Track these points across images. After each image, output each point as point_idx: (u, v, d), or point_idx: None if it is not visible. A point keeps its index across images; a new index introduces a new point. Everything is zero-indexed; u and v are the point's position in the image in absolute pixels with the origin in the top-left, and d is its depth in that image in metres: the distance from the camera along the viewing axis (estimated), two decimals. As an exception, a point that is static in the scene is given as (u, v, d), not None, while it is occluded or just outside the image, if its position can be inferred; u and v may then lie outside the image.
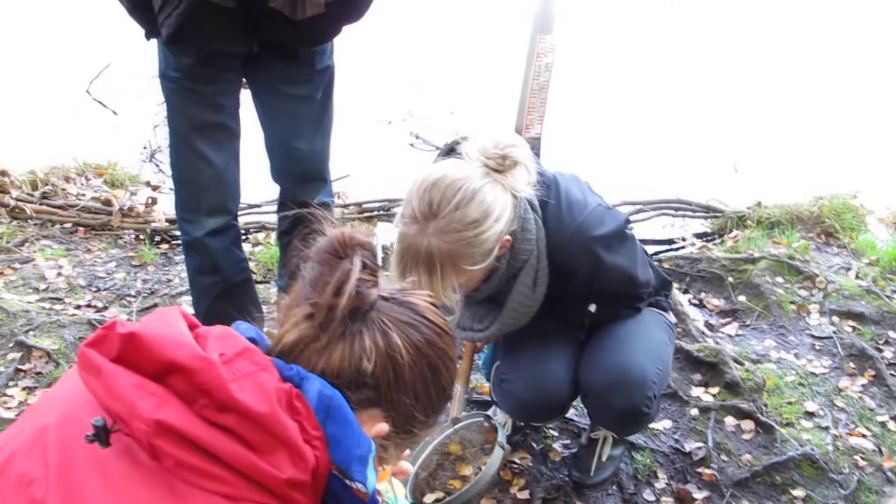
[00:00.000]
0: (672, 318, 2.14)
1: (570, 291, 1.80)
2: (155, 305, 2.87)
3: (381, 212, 3.77)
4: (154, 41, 1.99)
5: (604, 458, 2.15)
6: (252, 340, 0.96)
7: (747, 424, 2.46)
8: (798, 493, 2.25)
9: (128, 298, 2.93)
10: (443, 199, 1.49)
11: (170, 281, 3.09)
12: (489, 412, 2.21)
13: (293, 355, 0.94)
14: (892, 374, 2.79)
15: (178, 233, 3.58)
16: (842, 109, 6.13)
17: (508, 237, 1.59)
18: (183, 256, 3.23)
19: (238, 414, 0.83)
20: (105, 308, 2.85)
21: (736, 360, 2.70)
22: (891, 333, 3.02)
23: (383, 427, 0.98)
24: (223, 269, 2.23)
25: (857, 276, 3.42)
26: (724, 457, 2.35)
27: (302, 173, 2.27)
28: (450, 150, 1.72)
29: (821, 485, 2.29)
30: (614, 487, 2.24)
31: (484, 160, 1.55)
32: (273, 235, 3.54)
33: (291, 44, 2.01)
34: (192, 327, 0.98)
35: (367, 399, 0.96)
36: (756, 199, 4.24)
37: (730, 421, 2.48)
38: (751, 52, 7.58)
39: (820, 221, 3.95)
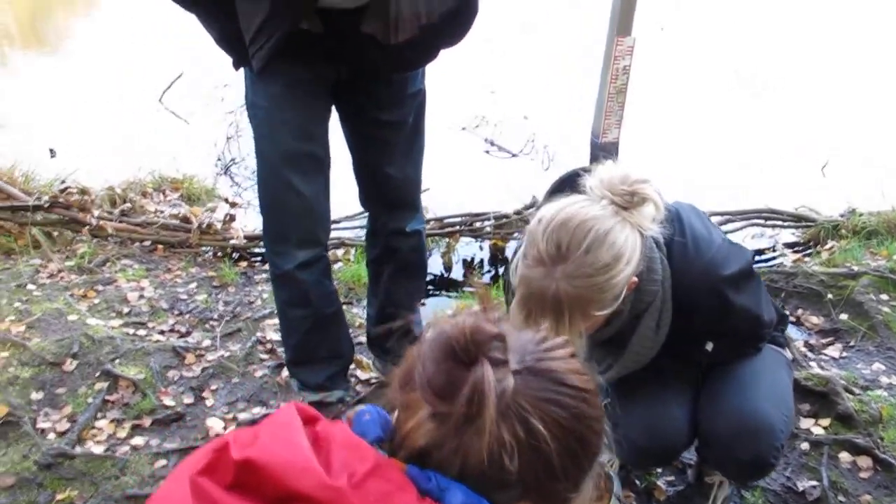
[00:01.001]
0: (789, 354, 2.01)
1: (691, 332, 1.68)
2: (239, 330, 2.85)
3: (463, 226, 3.69)
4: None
5: (718, 503, 2.03)
6: (379, 438, 0.88)
7: (864, 461, 2.30)
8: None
9: (211, 322, 2.90)
10: (572, 241, 1.38)
11: (251, 303, 3.06)
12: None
13: (425, 459, 0.84)
14: None
15: (257, 250, 3.58)
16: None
17: (635, 279, 1.49)
18: (269, 281, 3.22)
19: None
20: (188, 333, 2.84)
21: (847, 389, 2.54)
22: None
23: None
24: (314, 302, 2.18)
25: (970, 293, 3.20)
26: (840, 497, 2.20)
27: (393, 200, 2.20)
28: (566, 182, 1.61)
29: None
30: (724, 530, 2.12)
31: (611, 196, 1.44)
32: (353, 252, 3.49)
33: (384, 68, 1.93)
34: (309, 421, 0.90)
35: (513, 497, 0.86)
36: (849, 207, 4.03)
37: (844, 457, 2.32)
38: (826, 50, 7.26)
39: (922, 230, 3.73)
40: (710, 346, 1.78)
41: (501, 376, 0.82)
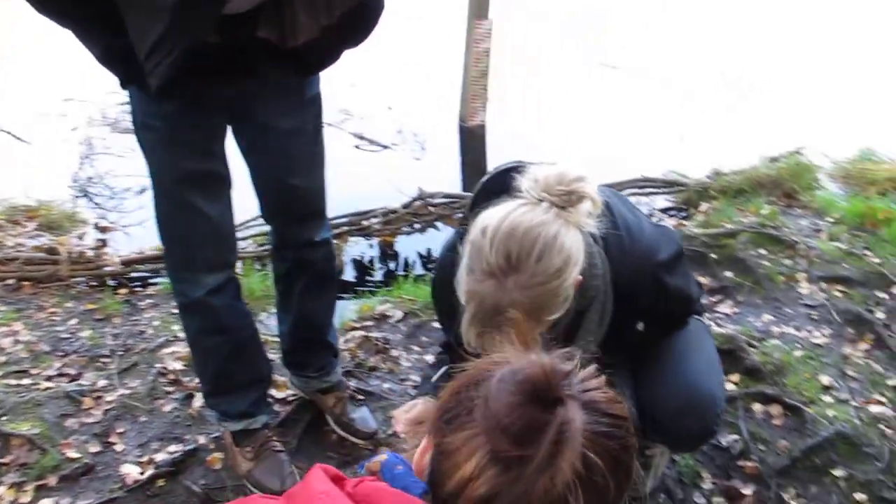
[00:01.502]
0: (706, 321, 2.09)
1: (627, 317, 1.71)
2: (136, 364, 2.64)
3: (350, 226, 3.60)
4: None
5: (659, 473, 2.10)
6: (425, 492, 0.82)
7: (775, 409, 2.46)
8: (839, 472, 2.26)
9: (102, 360, 2.67)
10: (521, 251, 1.35)
11: (142, 333, 2.84)
12: None
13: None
14: (889, 336, 2.85)
15: (136, 275, 3.34)
16: (772, 66, 6.28)
17: (580, 276, 1.48)
18: (157, 306, 3.03)
19: None
20: (79, 375, 2.60)
21: (749, 344, 2.69)
22: (878, 293, 3.08)
23: None
24: (229, 328, 2.04)
25: (829, 239, 3.48)
26: (761, 446, 2.34)
27: (300, 212, 2.09)
28: (497, 183, 1.58)
29: (857, 461, 2.30)
30: (663, 496, 2.19)
31: (549, 198, 1.42)
32: (239, 265, 3.33)
33: (285, 74, 1.83)
34: (337, 482, 0.83)
35: None
36: (713, 168, 4.28)
37: (757, 408, 2.47)
38: (678, 17, 7.67)
39: (780, 184, 4.01)
40: (641, 327, 1.81)
41: (574, 415, 0.79)
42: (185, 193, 1.85)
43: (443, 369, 1.94)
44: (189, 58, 1.54)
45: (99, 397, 2.48)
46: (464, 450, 0.80)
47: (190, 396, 2.48)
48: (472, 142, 5.16)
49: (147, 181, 1.90)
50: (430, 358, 2.78)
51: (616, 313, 1.68)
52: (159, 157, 1.82)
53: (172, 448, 2.29)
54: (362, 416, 2.38)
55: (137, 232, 3.83)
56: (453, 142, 5.17)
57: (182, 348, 2.71)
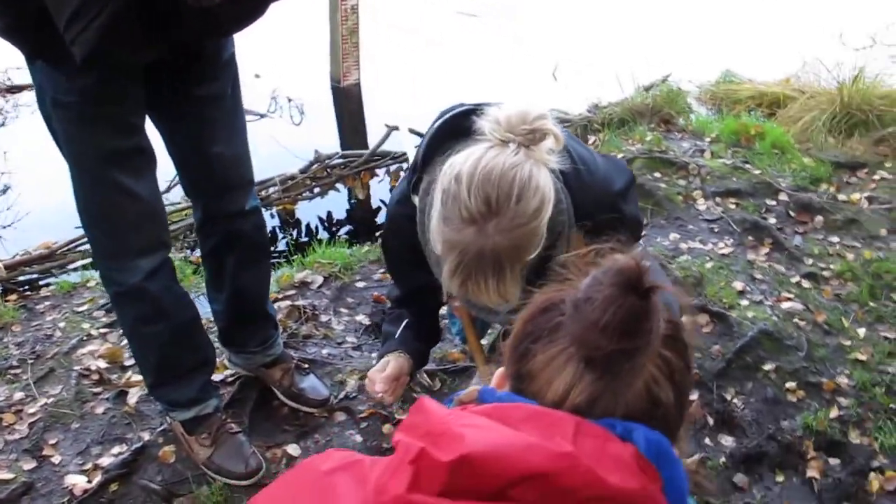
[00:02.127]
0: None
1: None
2: (52, 370, 2.43)
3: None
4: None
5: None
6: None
7: (703, 318, 2.61)
8: (768, 366, 2.43)
9: (12, 372, 2.44)
10: (500, 194, 1.33)
11: (50, 337, 2.62)
12: None
13: (590, 411, 0.80)
14: (785, 238, 3.08)
15: (23, 278, 3.07)
16: None
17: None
18: (57, 307, 2.80)
19: (614, 500, 0.70)
20: (-11, 390, 2.37)
21: (667, 263, 2.83)
22: (767, 201, 3.31)
23: None
24: (169, 312, 1.92)
25: (713, 157, 3.69)
26: (697, 354, 2.48)
27: (226, 182, 1.98)
28: (452, 127, 1.56)
29: (782, 353, 2.49)
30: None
31: (514, 138, 1.41)
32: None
33: (205, 36, 1.71)
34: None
35: (658, 430, 0.85)
36: (591, 103, 4.42)
37: (686, 320, 2.60)
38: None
39: (656, 111, 4.20)
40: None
41: (661, 305, 0.79)
42: (111, 173, 1.70)
43: (404, 322, 1.92)
44: (114, 22, 1.40)
45: (19, 411, 2.27)
46: (553, 366, 0.79)
47: (122, 394, 2.32)
48: (348, 102, 5.06)
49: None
50: (361, 318, 2.75)
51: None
52: (78, 137, 1.66)
53: (116, 450, 2.14)
54: (311, 384, 2.32)
55: (10, 235, 3.53)
56: (328, 102, 5.05)
57: (99, 346, 2.53)
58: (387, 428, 2.26)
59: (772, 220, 3.17)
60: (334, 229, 3.65)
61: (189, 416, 2.06)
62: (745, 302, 2.71)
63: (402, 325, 1.92)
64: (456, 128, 1.56)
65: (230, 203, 2.02)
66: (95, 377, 2.40)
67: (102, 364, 2.43)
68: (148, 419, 2.25)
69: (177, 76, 1.77)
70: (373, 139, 4.12)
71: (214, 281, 2.17)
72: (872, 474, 2.14)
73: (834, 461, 2.18)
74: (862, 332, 2.61)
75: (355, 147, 4.16)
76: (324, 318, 2.73)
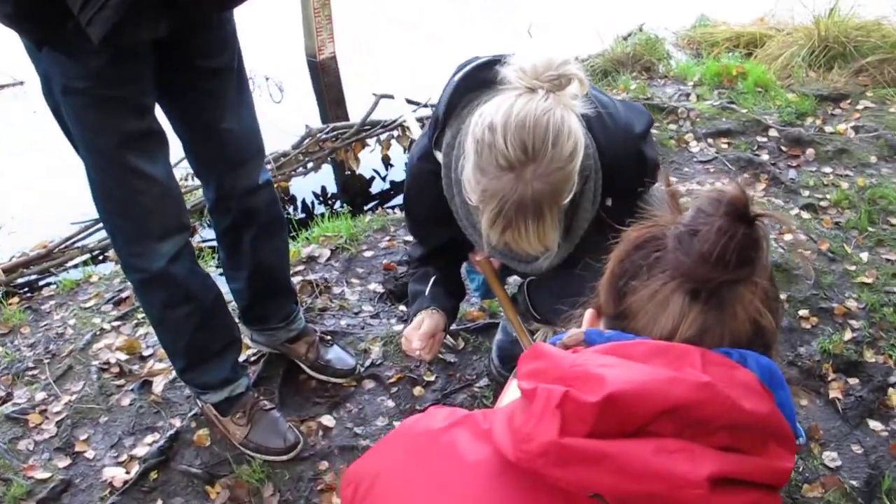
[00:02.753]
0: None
1: (603, 194, 1.75)
2: (70, 368, 2.40)
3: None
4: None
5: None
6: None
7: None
8: (782, 296, 2.48)
9: (30, 373, 2.41)
10: (536, 140, 1.33)
11: (62, 335, 2.59)
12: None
13: (700, 343, 0.80)
14: (779, 172, 3.12)
15: (21, 280, 3.03)
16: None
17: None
18: (62, 305, 2.76)
19: (748, 426, 0.71)
20: (9, 396, 2.33)
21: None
22: (758, 138, 3.35)
23: None
24: (195, 295, 1.90)
25: (699, 99, 3.72)
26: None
27: (238, 157, 1.95)
28: (476, 79, 1.55)
29: (791, 283, 2.54)
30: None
31: (541, 84, 1.41)
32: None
33: (217, 6, 1.68)
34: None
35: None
36: (572, 55, 4.40)
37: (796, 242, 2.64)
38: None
39: (637, 59, 4.21)
40: (609, 202, 1.87)
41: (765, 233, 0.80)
42: (127, 157, 1.68)
43: (432, 279, 1.93)
44: None
45: (44, 411, 2.25)
46: (656, 301, 0.79)
47: (146, 383, 2.31)
48: (326, 76, 5.00)
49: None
50: (374, 287, 2.75)
51: (604, 192, 1.71)
52: (93, 123, 1.63)
53: (149, 439, 2.14)
54: (337, 355, 2.32)
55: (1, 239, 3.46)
56: (306, 76, 4.99)
57: (114, 339, 2.50)
58: (417, 391, 2.28)
59: (765, 157, 3.21)
60: (331, 203, 3.63)
61: (222, 397, 2.06)
62: (749, 237, 2.75)
63: (430, 283, 1.93)
64: (477, 79, 1.56)
65: (244, 178, 1.99)
66: (116, 370, 2.38)
67: (121, 356, 2.41)
68: (176, 406, 2.24)
69: (184, 52, 1.74)
70: (357, 112, 4.09)
71: (232, 259, 2.15)
72: (891, 389, 2.20)
73: (853, 381, 2.24)
74: (864, 256, 2.66)
75: (337, 120, 4.12)
76: (336, 290, 2.73)
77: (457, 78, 1.62)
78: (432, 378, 2.33)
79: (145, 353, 2.44)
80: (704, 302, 0.78)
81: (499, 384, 2.27)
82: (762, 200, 2.97)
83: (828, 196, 2.98)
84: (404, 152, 3.83)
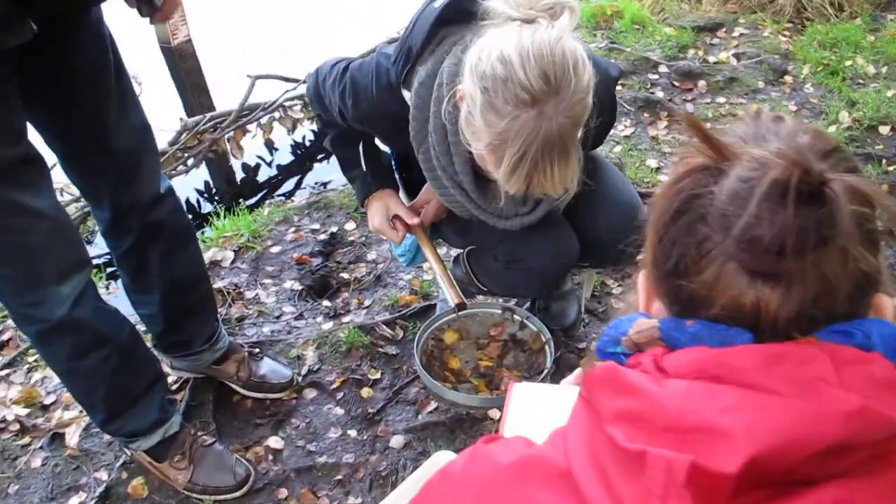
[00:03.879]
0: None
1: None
2: None
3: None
4: None
5: (588, 295, 2.14)
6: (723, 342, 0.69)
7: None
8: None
9: None
10: (557, 69, 1.22)
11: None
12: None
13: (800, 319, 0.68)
14: (676, 107, 3.12)
15: None
16: None
17: None
18: (37, 348, 2.38)
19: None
20: None
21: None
22: (650, 76, 3.34)
23: None
24: (108, 336, 1.65)
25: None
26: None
27: (133, 166, 1.69)
28: (455, 14, 1.42)
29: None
30: (586, 316, 2.26)
31: (539, 15, 1.27)
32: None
33: (79, 2, 1.42)
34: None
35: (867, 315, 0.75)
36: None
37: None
38: None
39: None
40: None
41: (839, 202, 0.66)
42: (6, 193, 1.40)
43: (361, 146, 1.84)
44: None
45: (-63, 490, 1.93)
46: (724, 283, 0.64)
47: (56, 437, 2.03)
48: (183, 61, 4.60)
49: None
50: (289, 285, 2.53)
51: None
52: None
53: (74, 501, 1.88)
54: (271, 368, 2.12)
55: None
56: (162, 64, 4.58)
57: (5, 391, 2.18)
58: (365, 392, 2.12)
59: (660, 94, 3.21)
60: (217, 199, 3.35)
61: (154, 441, 1.83)
62: (664, 177, 2.74)
63: (361, 151, 1.84)
64: (458, 10, 1.44)
65: (144, 188, 1.74)
66: (15, 427, 2.08)
67: (19, 410, 2.10)
68: (98, 456, 1.98)
69: (51, 56, 1.47)
70: (225, 98, 3.79)
71: (139, 282, 1.89)
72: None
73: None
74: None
75: (202, 109, 3.80)
76: (250, 295, 2.50)
77: (437, 5, 1.45)
78: (378, 375, 2.17)
79: (47, 402, 2.14)
80: (785, 283, 0.62)
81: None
82: (667, 139, 2.96)
83: (728, 126, 3.01)
84: (288, 134, 3.59)
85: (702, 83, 3.26)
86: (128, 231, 1.78)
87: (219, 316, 2.10)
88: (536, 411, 1.13)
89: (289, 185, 3.44)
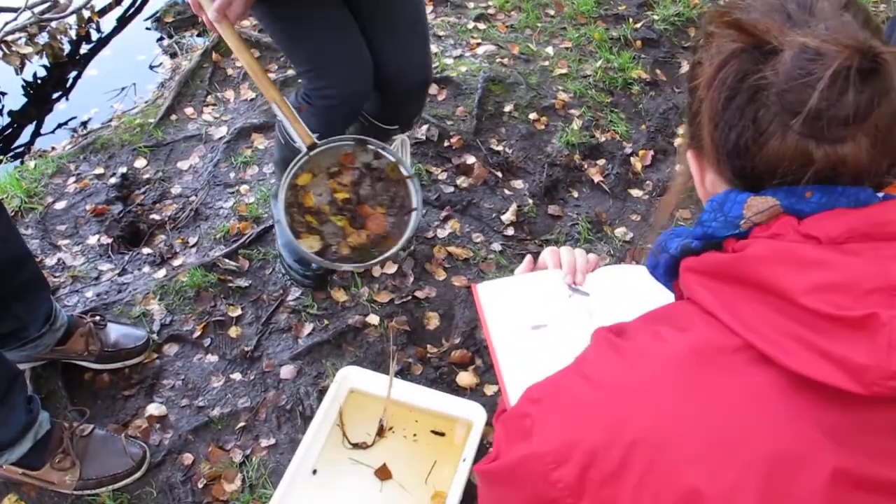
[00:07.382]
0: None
1: None
2: None
3: None
4: None
5: (407, 163, 2.06)
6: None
7: (433, 89, 2.63)
8: (507, 107, 2.59)
9: None
10: None
11: None
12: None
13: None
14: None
15: None
16: None
17: None
18: None
19: None
20: None
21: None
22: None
23: None
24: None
25: None
26: (449, 122, 2.52)
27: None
28: None
29: (510, 92, 2.65)
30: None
31: None
32: None
33: None
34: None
35: None
36: None
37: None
38: None
39: None
40: None
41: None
42: None
43: None
44: None
45: None
46: (787, 154, 0.69)
47: None
48: None
49: None
50: (94, 240, 2.22)
51: None
52: None
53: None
54: (121, 332, 1.88)
55: None
56: None
57: None
58: (233, 331, 1.97)
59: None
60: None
61: (27, 448, 1.56)
62: (449, 60, 2.78)
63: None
64: None
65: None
66: None
67: None
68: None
69: None
70: None
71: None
72: (632, 158, 2.49)
73: (601, 161, 2.48)
74: (550, 50, 2.87)
75: None
76: (51, 262, 2.16)
77: None
78: (239, 311, 2.03)
79: None
80: (851, 142, 0.68)
81: (314, 286, 2.05)
82: (436, 22, 2.98)
83: (490, 3, 3.11)
84: (17, 73, 3.04)
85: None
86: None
87: (51, 289, 1.80)
88: (514, 306, 1.11)
89: (27, 134, 2.94)
